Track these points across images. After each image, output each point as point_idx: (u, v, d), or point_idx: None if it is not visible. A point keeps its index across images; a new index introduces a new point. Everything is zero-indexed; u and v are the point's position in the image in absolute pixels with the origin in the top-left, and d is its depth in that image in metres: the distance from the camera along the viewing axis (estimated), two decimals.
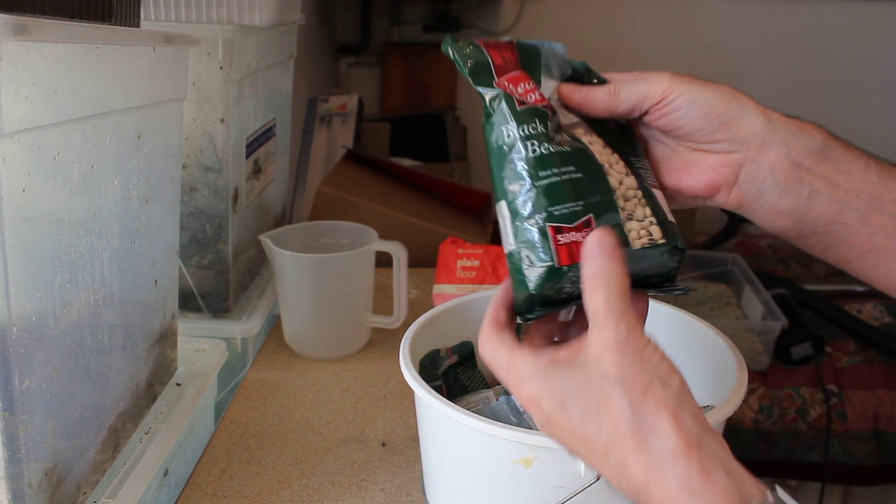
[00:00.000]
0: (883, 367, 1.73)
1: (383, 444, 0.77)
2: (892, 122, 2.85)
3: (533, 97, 0.50)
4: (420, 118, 2.51)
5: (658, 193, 0.51)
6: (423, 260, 1.14)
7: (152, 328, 0.68)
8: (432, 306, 0.72)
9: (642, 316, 0.51)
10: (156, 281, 0.67)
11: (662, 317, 0.70)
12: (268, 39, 0.98)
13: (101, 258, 0.56)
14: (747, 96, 0.51)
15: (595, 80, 0.54)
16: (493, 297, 0.49)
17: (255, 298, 0.97)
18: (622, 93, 0.51)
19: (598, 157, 0.49)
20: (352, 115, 1.79)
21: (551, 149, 0.48)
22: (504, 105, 0.49)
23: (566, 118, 0.52)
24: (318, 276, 0.89)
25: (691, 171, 0.52)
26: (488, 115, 0.50)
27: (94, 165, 0.53)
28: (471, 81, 0.50)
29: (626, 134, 0.53)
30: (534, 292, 0.47)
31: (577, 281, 0.46)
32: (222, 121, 0.84)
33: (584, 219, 0.47)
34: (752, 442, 1.65)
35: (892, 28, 2.76)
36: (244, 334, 0.91)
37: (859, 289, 2.06)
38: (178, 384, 0.72)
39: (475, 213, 1.47)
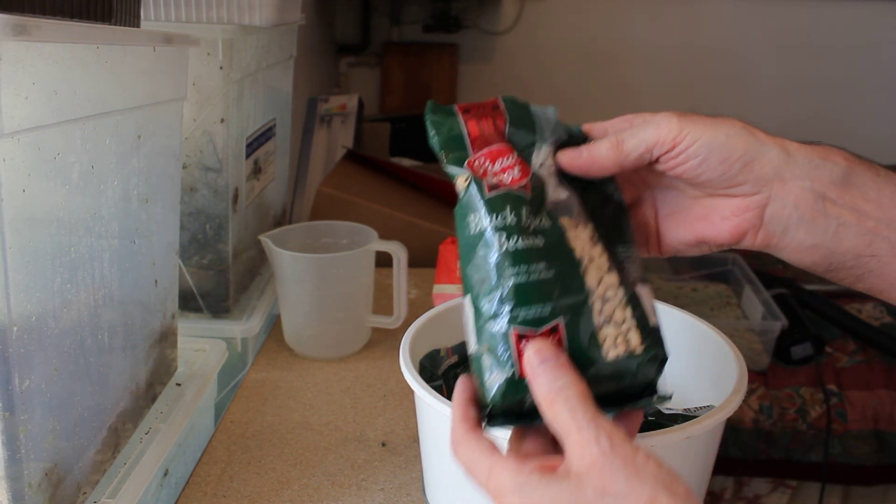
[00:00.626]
0: (883, 367, 1.73)
1: (383, 444, 0.77)
2: (892, 123, 2.85)
3: (511, 175, 0.45)
4: (420, 118, 2.49)
5: (643, 291, 0.46)
6: (423, 260, 1.14)
7: (152, 328, 0.68)
8: (432, 306, 0.72)
9: (632, 432, 0.46)
10: (156, 281, 0.67)
11: (663, 317, 0.70)
12: (268, 39, 0.98)
13: (101, 258, 0.56)
14: (761, 130, 0.47)
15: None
16: (458, 391, 0.43)
17: (255, 298, 0.97)
18: (627, 143, 0.46)
19: (577, 250, 0.44)
20: (352, 115, 1.79)
21: (522, 243, 0.43)
22: (474, 190, 0.44)
23: (556, 193, 0.46)
24: (318, 276, 0.89)
25: (713, 220, 0.48)
26: (459, 199, 0.45)
27: (94, 165, 0.53)
28: (441, 159, 0.46)
29: (617, 213, 0.48)
30: (492, 403, 0.42)
31: None
32: (222, 121, 0.84)
33: (552, 324, 0.42)
34: (752, 442, 1.65)
35: (892, 28, 2.76)
36: (244, 334, 0.91)
37: None
38: (178, 384, 0.72)
39: None
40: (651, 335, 0.44)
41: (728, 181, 0.46)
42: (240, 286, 0.96)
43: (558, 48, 2.82)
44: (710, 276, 1.97)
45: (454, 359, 0.69)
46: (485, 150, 0.46)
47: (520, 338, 0.42)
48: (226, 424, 0.80)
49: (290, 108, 1.16)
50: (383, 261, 0.96)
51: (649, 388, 0.45)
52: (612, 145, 0.46)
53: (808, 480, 1.68)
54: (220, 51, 0.82)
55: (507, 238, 0.43)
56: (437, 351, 0.67)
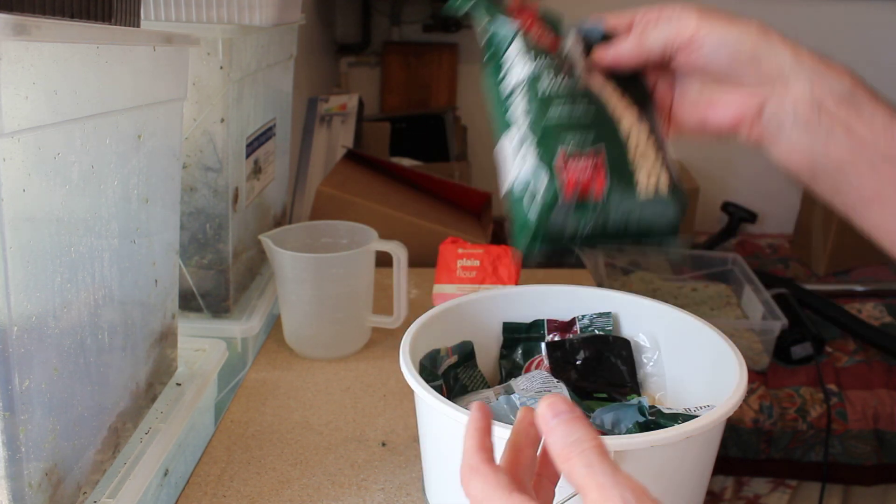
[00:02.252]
0: (883, 367, 1.73)
1: (383, 444, 0.77)
2: None
3: (548, 40, 0.51)
4: (420, 118, 2.51)
5: (668, 144, 0.51)
6: (423, 260, 1.14)
7: (152, 328, 0.68)
8: (432, 306, 0.72)
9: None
10: (156, 281, 0.67)
11: (662, 317, 0.70)
12: (268, 39, 0.98)
13: (101, 258, 0.56)
14: (776, 33, 0.51)
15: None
16: (473, 418, 0.42)
17: (255, 298, 0.97)
18: (649, 37, 0.52)
19: (610, 105, 0.50)
20: (352, 114, 1.79)
21: (567, 84, 0.49)
22: (521, 41, 0.50)
23: (585, 76, 0.52)
24: (317, 276, 0.89)
25: (717, 106, 0.52)
26: (496, 53, 0.50)
27: (94, 165, 0.53)
28: (487, 18, 0.51)
29: (639, 86, 0.54)
30: (537, 224, 0.45)
31: (581, 217, 0.46)
32: (222, 121, 0.84)
33: (596, 148, 0.46)
34: (752, 442, 1.65)
35: (892, 28, 2.76)
36: (244, 334, 0.91)
37: (859, 289, 2.06)
38: (178, 384, 0.72)
39: (475, 213, 1.47)
40: (676, 180, 0.49)
41: (735, 75, 0.50)
42: (240, 286, 0.96)
43: None
44: (710, 276, 1.97)
45: (454, 359, 0.69)
46: (524, 16, 0.52)
47: (564, 159, 0.45)
48: (226, 424, 0.80)
49: (290, 108, 1.16)
50: (383, 261, 0.96)
51: (673, 231, 0.49)
52: (634, 44, 0.52)
53: (808, 480, 1.68)
54: (220, 51, 0.82)
55: (556, 75, 0.49)
56: (437, 351, 0.67)
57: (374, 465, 0.74)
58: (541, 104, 0.48)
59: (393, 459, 0.75)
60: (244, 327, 0.90)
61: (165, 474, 0.67)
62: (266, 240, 0.90)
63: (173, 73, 0.66)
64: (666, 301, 0.72)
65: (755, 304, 1.74)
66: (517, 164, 0.47)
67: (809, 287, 2.00)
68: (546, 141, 0.46)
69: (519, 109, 0.48)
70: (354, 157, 1.46)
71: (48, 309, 0.49)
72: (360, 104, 1.89)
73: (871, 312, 1.92)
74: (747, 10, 2.76)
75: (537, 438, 0.43)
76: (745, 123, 0.51)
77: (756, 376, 1.69)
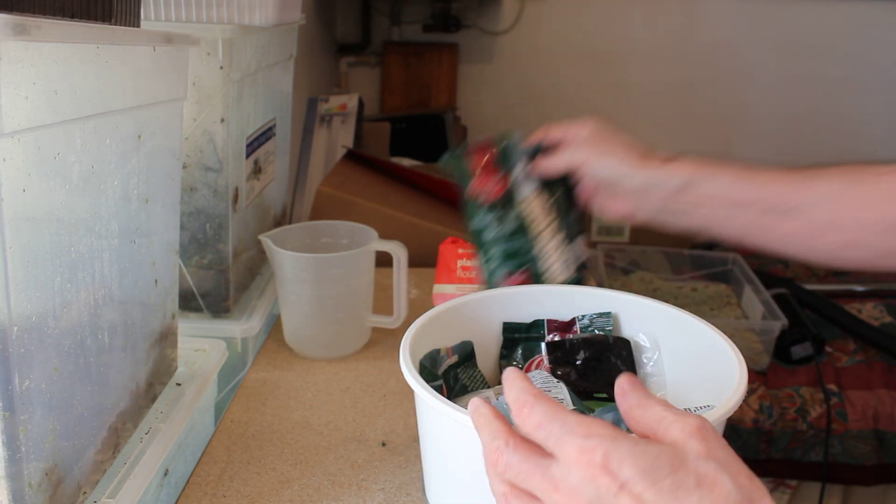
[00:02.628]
0: (883, 367, 1.73)
1: (383, 444, 0.77)
2: (891, 123, 2.85)
3: (493, 191, 0.77)
4: (420, 118, 2.51)
5: (578, 242, 0.78)
6: (423, 260, 1.14)
7: (152, 328, 0.68)
8: (432, 306, 0.72)
9: None
10: (156, 281, 0.67)
11: (662, 316, 0.70)
12: (268, 39, 0.98)
13: (101, 258, 0.56)
14: (636, 155, 0.74)
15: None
16: (515, 375, 0.46)
17: (255, 298, 0.97)
18: (561, 159, 0.76)
19: (537, 222, 0.77)
20: (352, 114, 1.79)
21: (505, 230, 0.76)
22: (477, 205, 0.77)
23: (528, 185, 0.78)
24: (317, 276, 0.89)
25: (608, 205, 0.77)
26: (469, 206, 0.77)
27: (94, 165, 0.53)
28: (460, 182, 0.78)
29: (569, 191, 0.79)
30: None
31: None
32: (222, 121, 0.84)
33: (524, 268, 0.76)
34: (752, 442, 1.65)
35: (891, 28, 2.76)
36: (244, 334, 0.91)
37: (859, 289, 2.06)
38: (178, 384, 0.72)
39: None
40: (578, 265, 0.77)
41: (608, 192, 0.77)
42: (240, 286, 0.96)
43: (558, 48, 2.82)
44: (710, 276, 1.97)
45: (454, 359, 0.69)
46: (483, 176, 0.77)
47: (509, 275, 0.76)
48: (226, 424, 0.80)
49: (290, 108, 1.16)
50: (383, 261, 0.96)
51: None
52: (552, 163, 0.77)
53: (808, 480, 1.68)
54: (220, 51, 0.82)
55: (497, 227, 0.76)
56: (437, 351, 0.67)
57: (374, 465, 0.74)
58: (492, 243, 0.76)
59: (393, 459, 0.75)
60: (244, 327, 0.90)
61: (165, 474, 0.67)
62: (266, 240, 0.90)
63: (173, 73, 0.66)
64: (666, 301, 0.72)
65: (755, 304, 1.74)
66: (486, 275, 0.77)
67: (809, 287, 2.00)
68: (496, 266, 0.76)
69: (482, 247, 0.77)
70: (354, 157, 1.46)
71: (48, 309, 0.49)
72: (360, 104, 1.89)
73: (871, 312, 1.92)
74: (747, 12, 2.77)
75: None
76: (627, 217, 0.76)
77: (756, 376, 1.69)
